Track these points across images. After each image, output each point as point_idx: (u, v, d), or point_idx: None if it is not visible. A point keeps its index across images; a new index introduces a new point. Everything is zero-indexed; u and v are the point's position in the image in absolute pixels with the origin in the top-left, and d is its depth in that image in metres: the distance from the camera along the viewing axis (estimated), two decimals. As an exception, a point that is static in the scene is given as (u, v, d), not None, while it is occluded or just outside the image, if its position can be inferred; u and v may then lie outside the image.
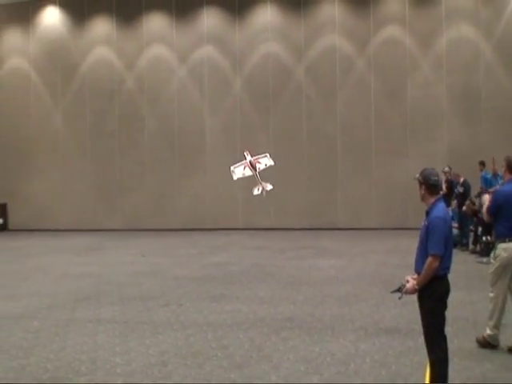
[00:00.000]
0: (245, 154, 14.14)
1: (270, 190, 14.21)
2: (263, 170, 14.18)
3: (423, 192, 5.69)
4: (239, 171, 14.08)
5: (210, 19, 22.51)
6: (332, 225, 21.20)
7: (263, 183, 13.99)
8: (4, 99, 24.22)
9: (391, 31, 21.24)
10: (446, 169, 16.45)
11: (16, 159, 23.99)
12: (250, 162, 13.93)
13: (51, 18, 23.82)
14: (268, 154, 14.29)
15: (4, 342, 8.03)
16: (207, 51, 22.56)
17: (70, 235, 21.71)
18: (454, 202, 16.00)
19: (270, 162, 14.19)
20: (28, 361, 7.19)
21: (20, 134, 24.04)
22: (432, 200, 5.68)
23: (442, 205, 5.72)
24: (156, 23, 22.99)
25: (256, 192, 14.08)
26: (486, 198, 11.11)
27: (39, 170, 23.73)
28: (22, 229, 23.56)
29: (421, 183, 5.67)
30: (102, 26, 23.46)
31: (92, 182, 23.27)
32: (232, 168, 14.11)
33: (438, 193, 5.75)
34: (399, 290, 5.62)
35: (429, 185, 5.66)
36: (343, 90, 21.49)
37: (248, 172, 13.98)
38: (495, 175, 15.76)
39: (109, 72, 23.33)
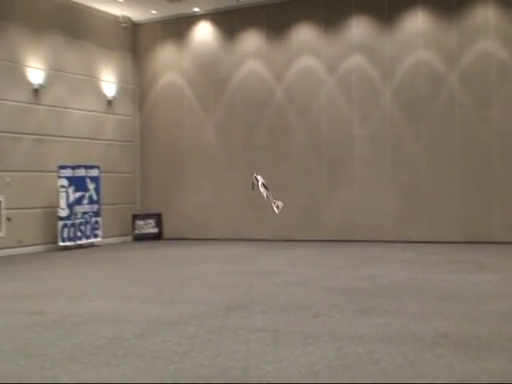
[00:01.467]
0: (256, 176, 15.24)
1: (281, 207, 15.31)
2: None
3: None
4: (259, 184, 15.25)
5: (358, 28, 22.37)
6: (487, 238, 20.32)
7: (276, 202, 15.17)
8: (160, 113, 25.40)
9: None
10: None
11: (171, 170, 25.04)
12: (262, 183, 15.10)
13: (203, 33, 24.68)
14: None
15: (161, 346, 8.35)
16: (356, 60, 22.41)
17: (222, 244, 22.33)
18: None
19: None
20: (184, 366, 7.40)
21: (175, 146, 25.11)
22: None
23: None
24: (305, 34, 23.14)
25: (276, 210, 15.23)
26: None
27: (192, 181, 24.61)
28: (176, 238, 24.54)
29: None
30: (252, 40, 23.97)
31: (242, 194, 23.71)
32: (260, 179, 15.19)
33: None
34: None
35: None
36: (499, 96, 20.59)
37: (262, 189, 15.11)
38: None
39: (259, 84, 23.79)
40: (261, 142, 23.72)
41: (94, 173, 22.41)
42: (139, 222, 24.86)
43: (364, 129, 22.33)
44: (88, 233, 22.20)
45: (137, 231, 24.86)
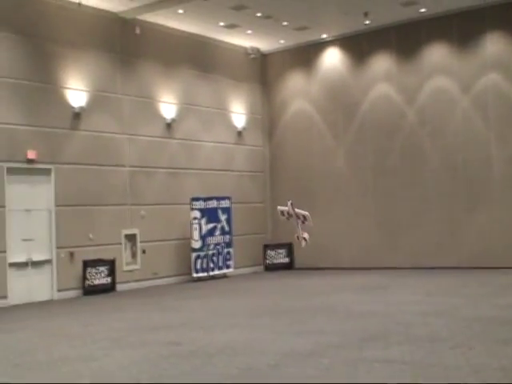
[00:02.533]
0: (291, 204, 14.88)
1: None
2: None
3: None
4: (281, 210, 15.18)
5: (493, 44, 21.64)
6: None
7: (304, 233, 14.93)
8: (290, 141, 25.65)
9: None
10: None
11: (301, 198, 24.68)
12: (296, 213, 14.80)
13: (332, 58, 24.81)
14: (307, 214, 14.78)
15: (296, 377, 8.35)
16: (491, 79, 21.69)
17: (354, 273, 22.12)
18: None
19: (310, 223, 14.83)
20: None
21: (304, 173, 25.24)
22: None
23: None
24: (436, 54, 22.69)
25: (303, 243, 15.02)
26: None
27: (323, 209, 24.52)
28: (307, 267, 24.48)
29: None
30: (381, 63, 23.80)
31: (373, 220, 23.57)
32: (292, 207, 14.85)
33: None
34: None
35: None
36: None
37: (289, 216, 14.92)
38: None
39: (389, 108, 23.55)
40: (392, 167, 23.41)
41: (226, 204, 22.90)
42: (270, 252, 25.08)
43: (503, 149, 21.52)
44: (220, 264, 22.63)
45: (268, 261, 25.06)
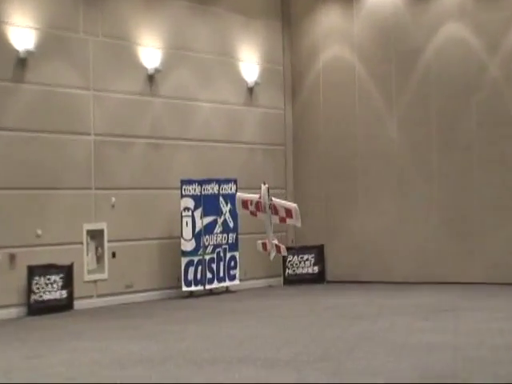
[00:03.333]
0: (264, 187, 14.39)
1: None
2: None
3: None
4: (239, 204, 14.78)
5: None
6: None
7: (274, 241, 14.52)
8: (321, 103, 25.57)
9: None
10: None
11: (337, 184, 24.94)
12: (273, 205, 14.27)
13: (382, -11, 24.67)
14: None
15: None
16: None
17: (410, 289, 22.16)
18: None
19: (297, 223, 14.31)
20: None
21: (342, 149, 25.24)
22: None
23: None
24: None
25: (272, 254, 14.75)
26: None
27: (367, 199, 24.62)
28: (344, 280, 24.45)
29: None
30: (451, -5, 23.64)
31: (438, 215, 23.48)
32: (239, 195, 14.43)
33: None
34: None
35: None
36: None
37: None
38: None
39: (462, 58, 23.44)
40: (466, 139, 23.36)
41: (230, 189, 22.74)
42: (293, 259, 24.92)
43: None
44: (221, 273, 22.53)
45: (289, 271, 24.98)
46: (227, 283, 22.84)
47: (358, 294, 21.80)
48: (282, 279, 25.05)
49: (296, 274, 25.03)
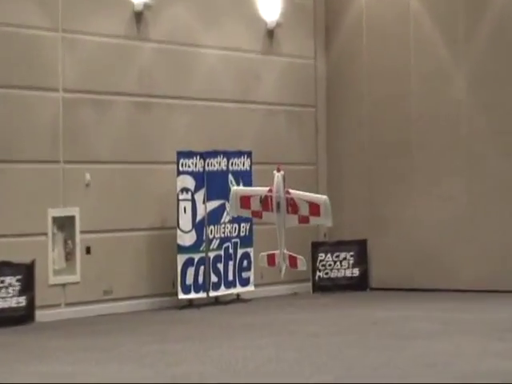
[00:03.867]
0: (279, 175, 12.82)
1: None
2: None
3: None
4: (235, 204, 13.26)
5: None
6: None
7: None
8: (365, 51, 25.48)
9: None
10: None
11: (385, 159, 24.75)
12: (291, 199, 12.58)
13: None
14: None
15: None
16: None
17: (481, 300, 22.21)
18: None
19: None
20: None
21: (392, 113, 25.12)
22: None
23: None
24: None
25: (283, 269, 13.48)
26: None
27: (425, 179, 24.53)
28: (394, 287, 24.51)
29: None
30: None
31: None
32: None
33: None
34: None
35: None
36: None
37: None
38: None
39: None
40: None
41: (243, 164, 22.77)
42: (325, 257, 24.95)
43: None
44: (230, 276, 22.46)
45: (321, 274, 24.94)
46: (238, 289, 22.78)
47: (413, 306, 21.69)
48: (310, 285, 25.02)
49: (330, 279, 25.03)
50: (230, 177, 22.38)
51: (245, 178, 22.60)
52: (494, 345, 15.95)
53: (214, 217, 22.09)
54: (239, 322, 19.90)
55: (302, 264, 13.07)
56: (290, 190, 12.28)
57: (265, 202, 12.15)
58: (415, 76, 24.81)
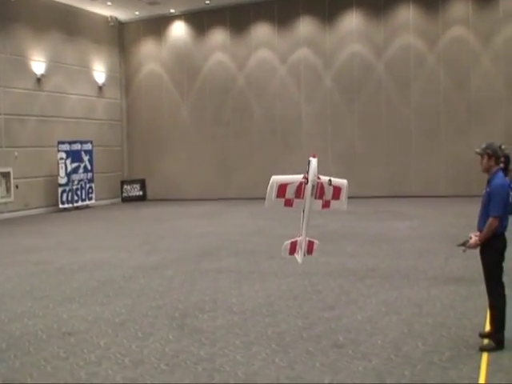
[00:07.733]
0: (311, 160, 6.47)
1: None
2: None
3: (492, 163, 5.47)
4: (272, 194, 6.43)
5: (305, 26, 22.16)
6: (407, 193, 20.65)
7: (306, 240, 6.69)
8: (143, 96, 24.76)
9: (457, 31, 20.43)
10: (503, 146, 15.82)
11: (153, 144, 24.60)
12: (320, 183, 6.49)
13: (178, 30, 24.17)
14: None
15: (145, 286, 8.38)
16: (303, 53, 22.22)
17: (196, 204, 21.95)
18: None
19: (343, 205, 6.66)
20: (163, 301, 7.47)
21: (155, 123, 24.53)
22: (495, 170, 5.48)
23: (501, 174, 5.51)
24: (262, 31, 22.85)
25: (301, 256, 6.73)
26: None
27: (170, 153, 24.22)
28: (158, 199, 23.97)
29: (490, 156, 5.46)
30: (218, 36, 23.55)
31: (212, 162, 23.60)
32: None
33: (499, 164, 5.55)
34: (464, 244, 5.51)
35: (497, 156, 5.48)
36: (417, 81, 20.88)
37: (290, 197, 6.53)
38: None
39: (224, 72, 23.44)
40: (226, 119, 23.40)
41: (88, 147, 21.80)
42: (126, 187, 24.38)
43: (310, 108, 22.32)
44: (83, 196, 21.66)
45: (124, 194, 24.35)
46: (87, 202, 21.86)
47: (165, 207, 21.32)
48: (120, 199, 24.29)
49: (129, 196, 24.26)
50: (82, 152, 21.55)
51: (89, 153, 21.76)
52: (201, 221, 16.00)
53: (75, 170, 21.16)
54: (88, 217, 19.18)
55: (315, 249, 6.73)
56: (320, 176, 6.44)
57: (298, 189, 6.32)
58: (165, 107, 24.24)
